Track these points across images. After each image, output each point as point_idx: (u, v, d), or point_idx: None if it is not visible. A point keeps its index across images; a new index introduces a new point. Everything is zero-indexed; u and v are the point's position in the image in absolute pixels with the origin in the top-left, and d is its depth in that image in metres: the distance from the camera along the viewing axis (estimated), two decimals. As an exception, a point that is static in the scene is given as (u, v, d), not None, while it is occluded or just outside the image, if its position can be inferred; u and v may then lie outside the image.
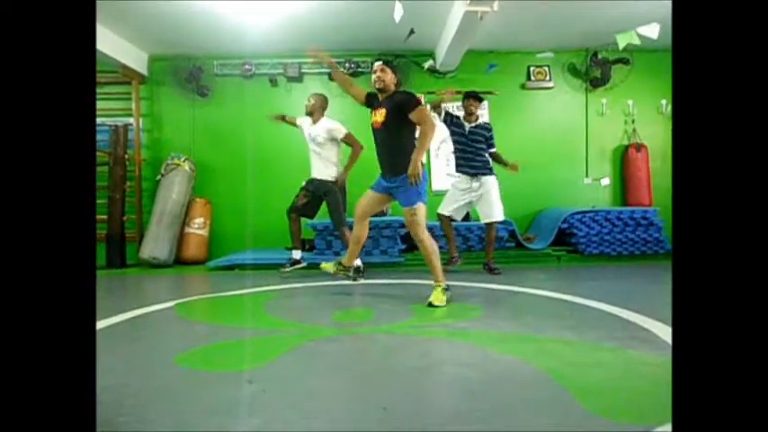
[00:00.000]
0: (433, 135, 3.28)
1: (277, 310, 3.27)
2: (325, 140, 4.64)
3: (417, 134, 3.32)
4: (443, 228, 4.90)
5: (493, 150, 4.86)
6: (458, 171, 4.89)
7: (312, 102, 4.73)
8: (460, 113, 4.93)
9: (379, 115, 3.38)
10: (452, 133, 4.89)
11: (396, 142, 3.37)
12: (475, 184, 4.76)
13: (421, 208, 3.31)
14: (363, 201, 3.59)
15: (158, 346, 2.41)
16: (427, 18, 5.62)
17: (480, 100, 4.87)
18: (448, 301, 3.22)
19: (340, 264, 3.77)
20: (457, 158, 4.89)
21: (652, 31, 5.16)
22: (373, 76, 3.42)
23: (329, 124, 4.68)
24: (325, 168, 4.69)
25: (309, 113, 4.72)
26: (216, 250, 6.55)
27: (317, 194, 4.75)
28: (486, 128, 4.86)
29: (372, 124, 3.47)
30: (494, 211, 4.72)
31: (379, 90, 3.43)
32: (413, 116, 3.27)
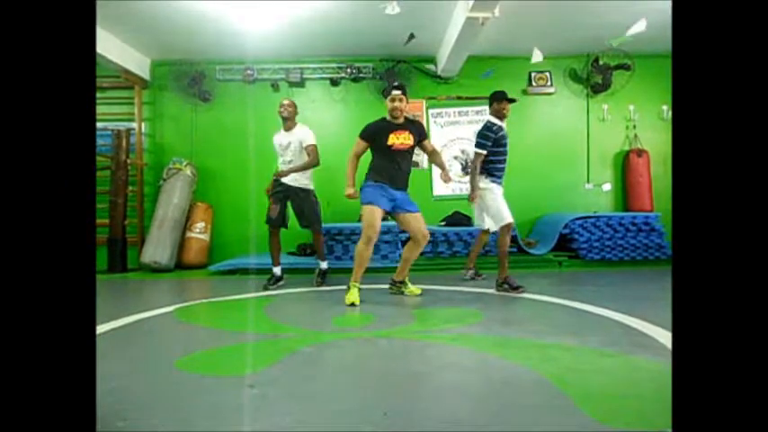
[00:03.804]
0: None
1: (278, 314, 3.27)
2: (295, 150, 4.39)
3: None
4: (507, 242, 4.11)
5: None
6: (498, 179, 4.21)
7: (290, 109, 4.44)
8: (472, 116, 4.51)
9: (406, 138, 3.74)
10: (499, 143, 4.17)
11: (411, 163, 3.88)
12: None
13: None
14: (378, 222, 3.64)
15: (159, 350, 2.41)
16: (428, 24, 5.64)
17: (513, 101, 4.25)
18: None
19: (356, 285, 3.60)
20: (499, 167, 4.21)
21: (640, 26, 5.15)
22: (391, 105, 3.71)
23: (302, 131, 4.42)
24: (301, 178, 4.41)
25: (286, 119, 4.43)
26: (217, 255, 6.56)
27: (292, 201, 4.46)
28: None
29: (394, 145, 3.70)
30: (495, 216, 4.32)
31: (395, 117, 3.74)
32: (427, 144, 3.94)
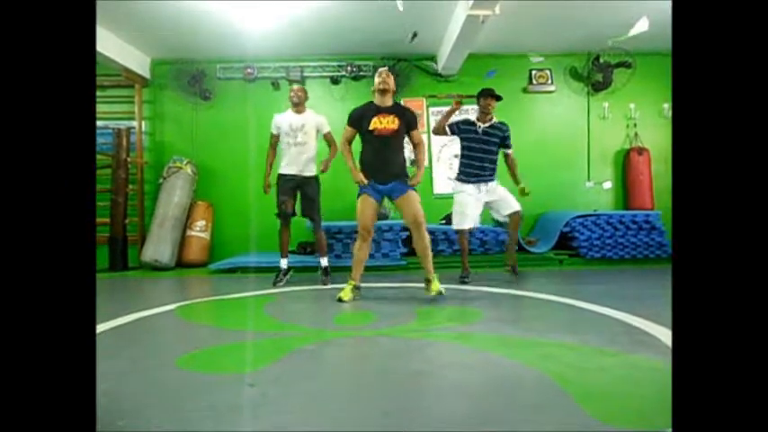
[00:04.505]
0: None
1: (279, 313, 3.27)
2: (310, 131, 4.42)
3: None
4: (462, 242, 4.53)
5: (509, 152, 4.53)
6: (462, 179, 4.49)
7: (300, 94, 4.42)
8: (472, 115, 4.65)
9: (390, 122, 3.55)
10: (463, 138, 4.49)
11: (401, 150, 3.69)
12: (483, 189, 4.44)
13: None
14: (369, 213, 3.58)
15: (160, 349, 2.41)
16: (429, 21, 5.63)
17: (498, 99, 4.42)
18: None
19: (354, 287, 3.60)
20: (464, 165, 4.49)
21: (642, 25, 5.15)
22: (378, 79, 3.58)
23: (317, 117, 4.49)
24: (309, 163, 4.44)
25: (297, 104, 4.42)
26: (218, 253, 6.56)
27: (302, 192, 4.45)
28: (501, 128, 4.46)
29: (376, 130, 3.56)
30: (511, 201, 4.41)
31: (382, 92, 3.57)
32: (415, 134, 3.70)
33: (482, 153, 4.42)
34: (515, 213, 4.42)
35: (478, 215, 4.54)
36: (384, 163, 3.60)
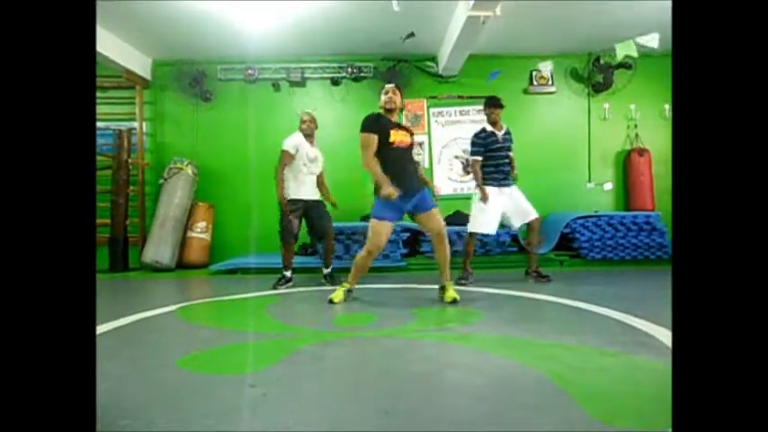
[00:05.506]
0: None
1: (279, 314, 3.27)
2: (319, 163, 4.57)
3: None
4: (470, 245, 4.59)
5: (510, 154, 4.61)
6: (488, 183, 4.50)
7: (313, 126, 4.52)
8: (481, 121, 4.73)
9: (405, 135, 3.58)
10: (488, 149, 4.51)
11: (414, 162, 3.71)
12: (506, 190, 4.53)
13: None
14: (383, 238, 3.50)
15: (160, 349, 2.41)
16: (429, 22, 5.64)
17: (502, 107, 4.54)
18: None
19: (347, 290, 3.64)
20: (489, 171, 4.51)
21: (652, 40, 5.16)
22: (384, 97, 3.59)
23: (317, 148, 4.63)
24: (315, 188, 4.58)
25: (310, 135, 4.50)
26: (218, 254, 6.56)
27: (309, 215, 4.49)
28: (510, 132, 4.64)
29: (394, 143, 3.49)
30: (528, 208, 4.51)
31: (389, 111, 3.58)
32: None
33: (501, 159, 4.53)
34: (535, 220, 4.55)
35: (498, 221, 4.55)
36: (408, 174, 3.52)
